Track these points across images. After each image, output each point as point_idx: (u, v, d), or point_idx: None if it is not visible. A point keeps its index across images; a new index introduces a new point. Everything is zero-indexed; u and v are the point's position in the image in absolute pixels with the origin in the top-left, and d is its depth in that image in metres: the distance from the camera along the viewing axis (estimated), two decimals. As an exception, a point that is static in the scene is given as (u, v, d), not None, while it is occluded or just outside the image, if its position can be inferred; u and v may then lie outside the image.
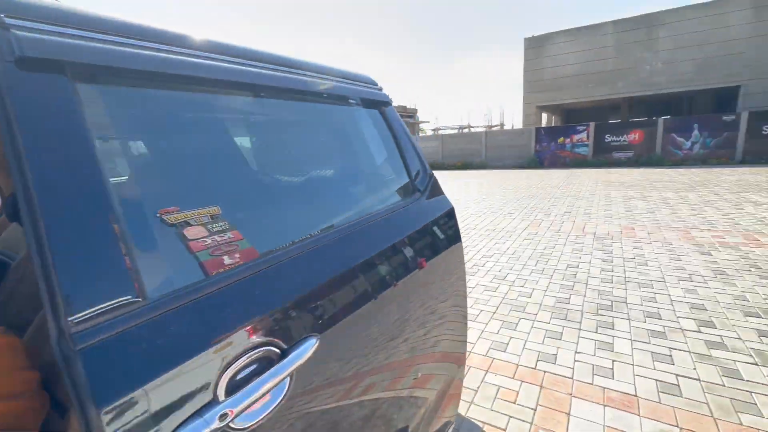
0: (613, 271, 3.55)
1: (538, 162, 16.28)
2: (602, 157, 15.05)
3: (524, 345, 2.38)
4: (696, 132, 13.45)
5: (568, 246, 4.42)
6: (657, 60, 16.35)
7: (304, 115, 1.09)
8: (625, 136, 14.62)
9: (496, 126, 37.25)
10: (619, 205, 6.67)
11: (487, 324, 2.68)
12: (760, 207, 5.88)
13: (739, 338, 2.31)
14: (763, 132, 12.55)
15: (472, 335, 2.53)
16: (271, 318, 0.64)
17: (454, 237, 1.29)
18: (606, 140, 14.94)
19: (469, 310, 2.90)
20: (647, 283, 3.21)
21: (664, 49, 16.17)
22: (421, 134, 45.96)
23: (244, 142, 0.99)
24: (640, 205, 6.63)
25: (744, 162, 12.83)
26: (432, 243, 1.18)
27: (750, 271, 3.36)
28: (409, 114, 43.41)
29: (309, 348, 0.66)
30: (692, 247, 4.11)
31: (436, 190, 1.34)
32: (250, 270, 0.65)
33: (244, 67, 0.79)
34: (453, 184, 11.43)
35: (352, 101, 1.18)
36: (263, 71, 0.84)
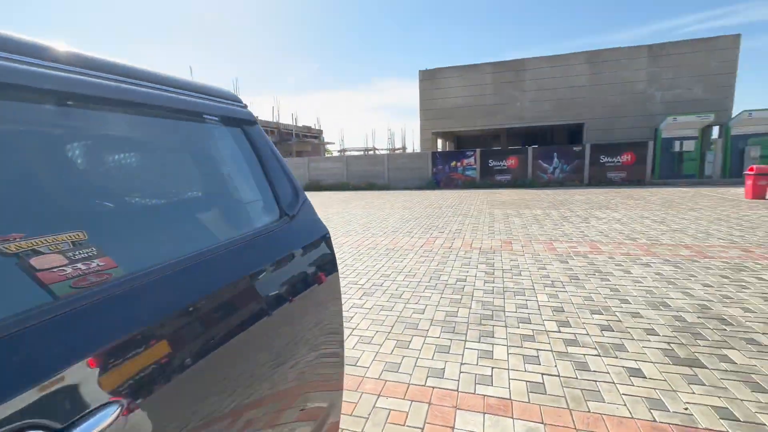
0: (494, 282, 3.93)
1: (435, 183, 17.61)
2: (488, 180, 16.99)
3: (416, 363, 2.43)
4: (556, 159, 16.16)
5: (458, 261, 4.78)
6: (525, 98, 19.38)
7: (149, 131, 0.94)
8: (504, 161, 16.80)
9: (399, 149, 39.44)
10: (500, 222, 7.53)
11: (381, 345, 2.67)
12: (601, 221, 7.23)
13: (588, 334, 2.72)
14: (601, 160, 15.69)
15: (366, 358, 2.50)
16: (48, 384, 0.49)
17: (328, 265, 1.24)
18: (490, 164, 16.96)
19: (364, 332, 2.88)
20: (521, 291, 3.62)
21: (529, 90, 19.26)
22: (327, 155, 46.13)
23: (64, 157, 0.81)
24: (516, 221, 7.59)
25: (590, 184, 15.80)
26: (300, 273, 1.11)
27: (594, 274, 4.05)
28: (315, 135, 43.32)
29: (103, 421, 0.52)
30: (554, 257, 4.80)
31: (308, 214, 1.28)
32: (43, 316, 0.49)
33: (75, 76, 0.65)
34: (357, 204, 11.61)
35: (209, 118, 1.07)
36: (96, 80, 0.70)
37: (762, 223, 6.41)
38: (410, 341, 2.72)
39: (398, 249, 5.57)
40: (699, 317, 2.94)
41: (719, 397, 1.98)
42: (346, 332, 2.89)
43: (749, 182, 9.66)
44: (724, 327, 2.76)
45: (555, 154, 16.23)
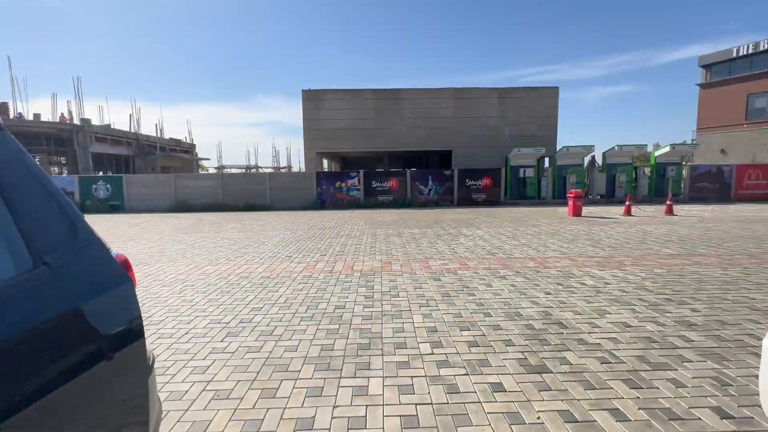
0: (373, 306, 3.86)
1: (320, 204, 17.39)
2: (371, 200, 17.56)
3: (282, 415, 2.11)
4: (431, 182, 17.72)
5: (338, 286, 4.60)
6: (403, 125, 20.93)
7: None
8: (386, 182, 17.65)
9: (284, 168, 38.14)
10: (382, 242, 7.71)
11: (242, 399, 2.27)
12: (468, 238, 8.03)
13: (458, 353, 2.81)
14: (467, 183, 17.82)
15: (220, 421, 2.06)
16: None
17: (124, 331, 0.89)
18: (373, 185, 17.60)
19: (222, 385, 2.42)
20: (398, 314, 3.62)
21: (407, 117, 20.91)
22: (201, 171, 41.69)
23: None
24: (396, 241, 7.87)
25: (459, 204, 17.74)
26: (68, 351, 0.75)
27: (463, 290, 4.35)
28: (186, 149, 38.82)
29: None
30: (429, 275, 5.04)
31: (91, 258, 0.91)
32: None
33: None
34: (233, 227, 10.55)
35: None
36: None
37: (580, 236, 8.00)
38: (278, 388, 2.38)
39: (275, 276, 5.12)
40: (544, 323, 3.34)
41: (562, 400, 2.20)
42: (198, 387, 2.39)
43: (570, 203, 12.11)
44: (561, 330, 3.19)
45: (430, 177, 17.79)
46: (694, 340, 2.97)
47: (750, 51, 28.40)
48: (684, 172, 18.44)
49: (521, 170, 18.18)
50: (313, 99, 20.67)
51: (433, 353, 2.81)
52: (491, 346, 2.92)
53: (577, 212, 11.96)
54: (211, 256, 6.62)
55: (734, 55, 29.43)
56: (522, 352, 2.81)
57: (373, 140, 21.02)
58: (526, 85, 23.85)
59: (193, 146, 38.29)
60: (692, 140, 32.45)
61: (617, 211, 13.37)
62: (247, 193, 17.65)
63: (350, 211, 15.84)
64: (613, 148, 18.24)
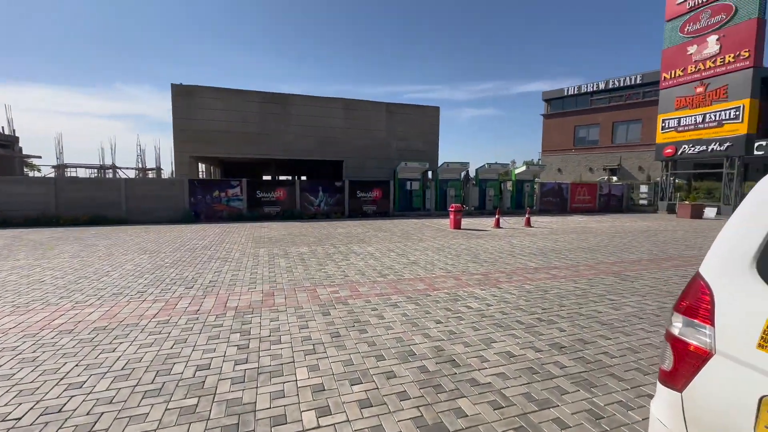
0: (247, 361, 3.19)
1: (193, 216, 15.20)
2: (256, 211, 16.14)
3: None
4: (321, 193, 17.21)
5: (204, 334, 3.76)
6: (291, 132, 19.96)
7: None
8: (273, 192, 16.45)
9: (152, 170, 32.69)
10: (265, 266, 6.89)
11: None
12: (359, 257, 7.78)
13: (348, 420, 2.40)
14: (358, 195, 17.85)
15: None
16: None
17: None
18: (258, 195, 16.21)
19: None
20: (278, 370, 3.04)
21: (295, 124, 20.00)
22: (29, 173, 32.94)
23: None
24: (282, 263, 7.14)
25: (350, 216, 17.63)
26: None
27: (354, 326, 3.99)
28: (4, 143, 30.08)
29: None
30: (317, 308, 4.55)
31: None
32: None
33: None
34: (68, 249, 8.23)
35: None
36: None
37: (461, 251, 8.54)
38: None
39: (115, 326, 3.96)
40: (437, 363, 3.19)
41: (462, 472, 1.97)
42: None
43: (451, 216, 13.07)
44: (454, 370, 3.06)
45: (320, 187, 17.26)
46: (566, 366, 3.17)
47: (575, 92, 35.84)
48: (536, 187, 21.92)
49: (408, 183, 19.07)
50: (186, 95, 18.14)
51: (319, 426, 2.34)
52: (385, 404, 2.59)
53: (457, 225, 12.94)
54: (19, 298, 4.88)
55: (565, 93, 36.73)
56: (417, 407, 2.56)
57: (259, 146, 19.51)
58: (410, 102, 25.39)
59: (16, 140, 29.92)
60: (538, 160, 39.25)
61: (489, 222, 14.99)
62: (97, 203, 14.37)
63: (230, 224, 14.22)
64: (484, 165, 20.60)
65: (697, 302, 1.36)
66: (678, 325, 1.41)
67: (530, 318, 4.29)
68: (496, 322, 4.16)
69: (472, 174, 21.22)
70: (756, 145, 18.06)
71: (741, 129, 18.12)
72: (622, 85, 32.69)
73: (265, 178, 37.81)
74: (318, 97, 20.41)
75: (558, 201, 21.78)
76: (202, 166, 32.24)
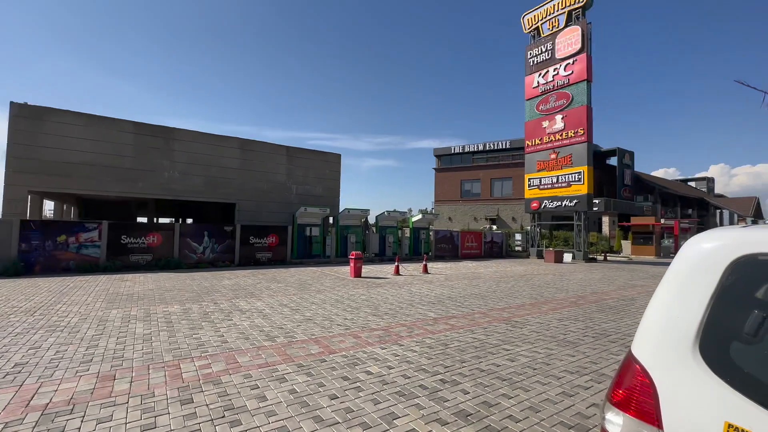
0: (35, 506, 2.06)
1: (24, 267, 11.79)
2: (120, 261, 13.35)
3: None
4: (206, 238, 15.24)
5: (-32, 463, 2.43)
6: (174, 169, 17.74)
7: None
8: (144, 238, 13.93)
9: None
10: (112, 335, 5.34)
11: None
12: (244, 315, 6.68)
13: None
14: (251, 241, 16.32)
15: None
16: None
17: None
18: (123, 241, 13.51)
19: None
20: None
21: (181, 161, 17.89)
22: None
23: None
24: (138, 330, 5.65)
25: (240, 264, 15.87)
26: None
27: (223, 417, 3.07)
28: None
29: None
30: (176, 394, 3.47)
31: None
32: None
33: None
34: None
35: None
36: None
37: (361, 303, 8.08)
38: None
39: None
40: (329, 460, 2.53)
41: None
42: None
43: (351, 264, 12.67)
44: (351, 469, 2.45)
45: (206, 232, 15.31)
46: (475, 441, 2.82)
47: (461, 151, 40.69)
48: (431, 235, 23.23)
49: (308, 229, 18.30)
50: (32, 118, 14.84)
51: None
52: None
53: (357, 273, 12.55)
54: None
55: (453, 151, 41.40)
56: None
57: (133, 183, 16.76)
58: (313, 148, 25.29)
59: None
60: (432, 209, 42.47)
61: (389, 269, 15.00)
62: None
63: (79, 277, 11.37)
64: (384, 213, 21.14)
65: (635, 394, 1.11)
66: (616, 423, 1.14)
67: (433, 380, 3.94)
68: (399, 389, 3.69)
69: (372, 221, 21.55)
70: (594, 202, 22.44)
71: (583, 189, 22.37)
72: (496, 148, 38.37)
73: (140, 220, 32.59)
74: (209, 134, 18.84)
75: (450, 247, 23.34)
76: (49, 204, 26.42)
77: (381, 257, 20.32)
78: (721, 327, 1.03)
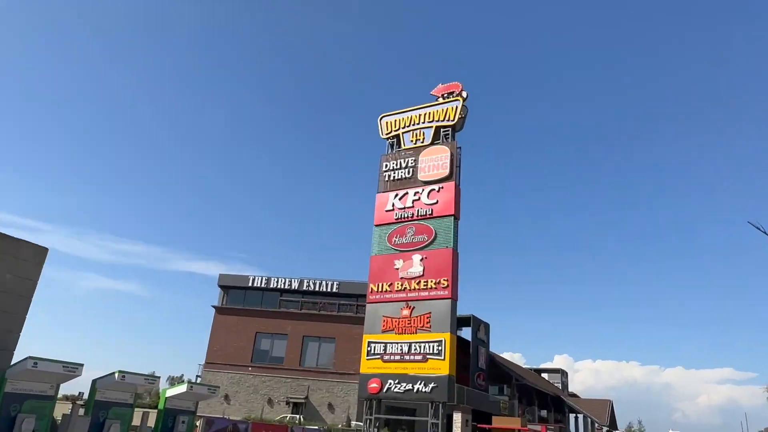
0: None
1: None
2: None
3: None
4: None
5: None
6: None
7: None
8: None
9: None
10: None
11: None
12: None
13: None
14: None
15: None
16: None
17: None
18: None
19: None
20: None
21: None
22: None
23: None
24: None
25: None
26: None
27: None
28: None
29: None
30: None
31: None
32: None
33: None
34: None
35: None
36: None
37: None
38: None
39: None
40: None
41: None
42: None
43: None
44: None
45: None
46: None
47: (263, 284, 38.35)
48: (198, 425, 18.36)
49: None
50: None
51: None
52: None
53: None
54: None
55: (250, 284, 38.69)
56: None
57: None
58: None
59: None
60: (197, 376, 36.55)
61: None
62: None
63: None
64: (112, 375, 15.80)
65: None
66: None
67: None
68: None
69: (84, 389, 15.67)
70: (456, 388, 22.69)
71: (443, 368, 22.55)
72: (317, 289, 37.58)
73: None
74: None
75: (231, 454, 18.73)
76: None
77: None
78: None
